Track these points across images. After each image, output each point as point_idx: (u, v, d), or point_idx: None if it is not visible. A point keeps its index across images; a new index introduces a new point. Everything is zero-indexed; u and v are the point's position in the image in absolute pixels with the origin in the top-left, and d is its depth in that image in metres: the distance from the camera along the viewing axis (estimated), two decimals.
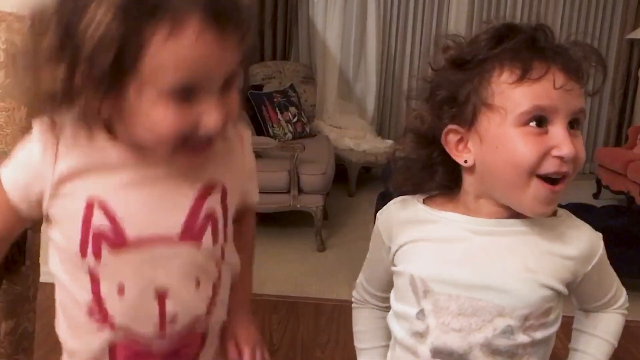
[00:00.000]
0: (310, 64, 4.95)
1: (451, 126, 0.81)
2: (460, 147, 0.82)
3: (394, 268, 0.90)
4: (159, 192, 0.75)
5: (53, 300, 0.82)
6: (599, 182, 4.35)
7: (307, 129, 4.18)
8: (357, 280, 1.02)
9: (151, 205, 0.74)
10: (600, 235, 0.86)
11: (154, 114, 0.65)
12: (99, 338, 0.77)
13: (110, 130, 0.72)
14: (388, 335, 0.93)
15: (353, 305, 1.03)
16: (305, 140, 3.66)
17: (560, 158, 0.75)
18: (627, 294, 0.94)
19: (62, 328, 0.81)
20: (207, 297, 0.80)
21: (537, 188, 0.77)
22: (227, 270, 0.83)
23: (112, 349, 0.77)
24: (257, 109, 3.87)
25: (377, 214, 0.93)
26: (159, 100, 0.65)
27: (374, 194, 2.82)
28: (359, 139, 4.45)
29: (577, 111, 0.77)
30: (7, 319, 1.19)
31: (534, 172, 0.76)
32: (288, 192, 3.11)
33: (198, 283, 0.78)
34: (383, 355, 0.98)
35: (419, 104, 0.86)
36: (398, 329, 0.88)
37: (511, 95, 0.76)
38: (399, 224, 0.89)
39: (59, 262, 0.78)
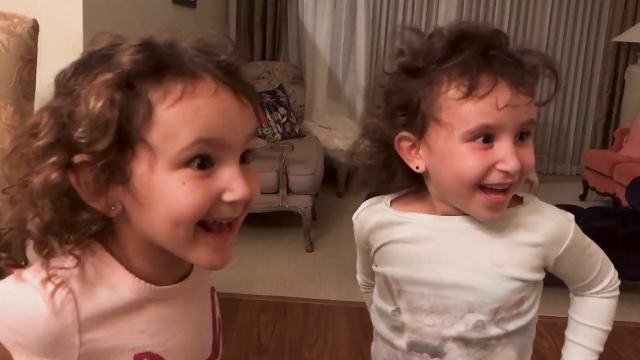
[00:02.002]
0: (299, 65, 4.94)
1: (403, 133, 0.82)
2: (413, 152, 0.83)
3: (374, 267, 0.94)
4: (192, 319, 0.69)
5: None
6: (585, 183, 4.38)
7: (296, 130, 4.18)
8: (357, 267, 1.07)
9: (192, 337, 0.69)
10: (570, 216, 0.88)
11: (170, 188, 0.57)
12: None
13: (120, 256, 0.63)
14: None
15: (361, 289, 1.10)
16: (294, 141, 3.65)
17: (505, 172, 0.77)
18: None
19: None
20: None
21: (483, 198, 0.79)
22: None
23: None
24: None
25: (353, 218, 0.97)
26: (175, 171, 0.57)
27: (363, 194, 2.82)
28: (348, 140, 4.45)
29: (524, 123, 0.78)
30: None
31: (478, 184, 0.78)
32: (277, 192, 3.11)
33: None
34: None
35: (375, 108, 0.88)
36: (378, 322, 0.93)
37: (458, 112, 0.77)
38: (371, 230, 0.92)
39: None
